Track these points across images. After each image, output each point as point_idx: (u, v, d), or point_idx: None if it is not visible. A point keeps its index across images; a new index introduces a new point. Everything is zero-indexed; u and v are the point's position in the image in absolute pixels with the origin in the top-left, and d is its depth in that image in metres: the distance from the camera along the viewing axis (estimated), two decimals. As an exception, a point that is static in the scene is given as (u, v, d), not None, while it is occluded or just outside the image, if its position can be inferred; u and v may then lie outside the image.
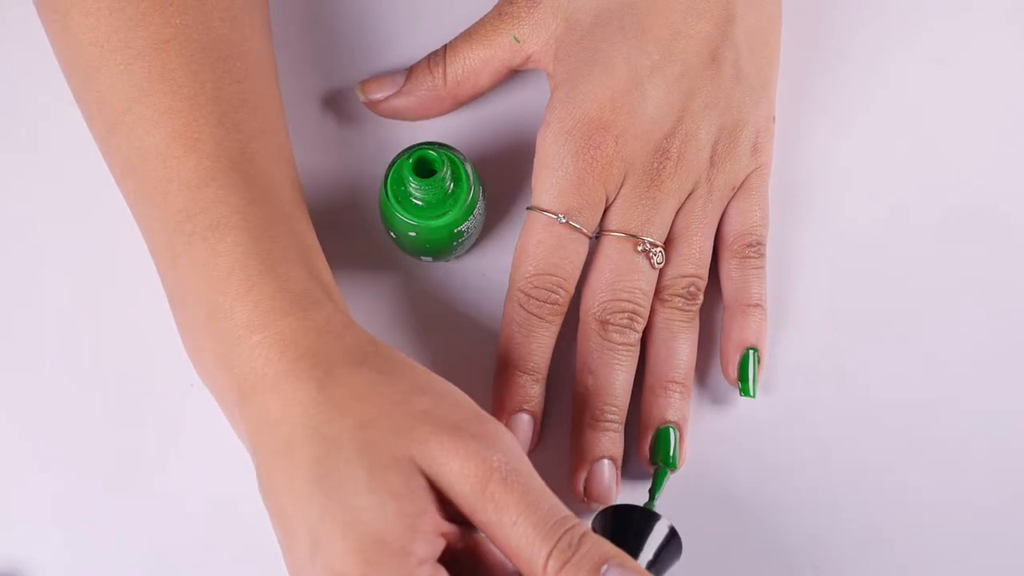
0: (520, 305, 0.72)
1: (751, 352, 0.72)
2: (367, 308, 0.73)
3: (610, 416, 0.71)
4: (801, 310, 0.75)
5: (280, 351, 0.63)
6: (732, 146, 0.73)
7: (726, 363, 0.73)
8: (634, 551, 0.65)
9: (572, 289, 0.72)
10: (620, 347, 0.71)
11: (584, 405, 0.71)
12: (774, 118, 0.74)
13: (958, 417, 0.73)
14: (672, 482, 0.71)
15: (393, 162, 0.71)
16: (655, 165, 0.72)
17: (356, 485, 0.61)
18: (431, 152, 0.70)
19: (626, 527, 0.66)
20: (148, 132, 0.66)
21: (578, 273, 0.72)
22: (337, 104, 0.77)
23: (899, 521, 0.72)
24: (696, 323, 0.73)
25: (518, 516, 0.61)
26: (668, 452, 0.71)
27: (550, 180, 0.72)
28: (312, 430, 0.62)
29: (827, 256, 0.75)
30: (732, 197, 0.74)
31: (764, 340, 0.73)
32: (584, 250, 0.72)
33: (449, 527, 0.62)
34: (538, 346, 0.71)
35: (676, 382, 0.72)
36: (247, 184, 0.66)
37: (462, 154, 0.71)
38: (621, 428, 0.71)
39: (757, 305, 0.73)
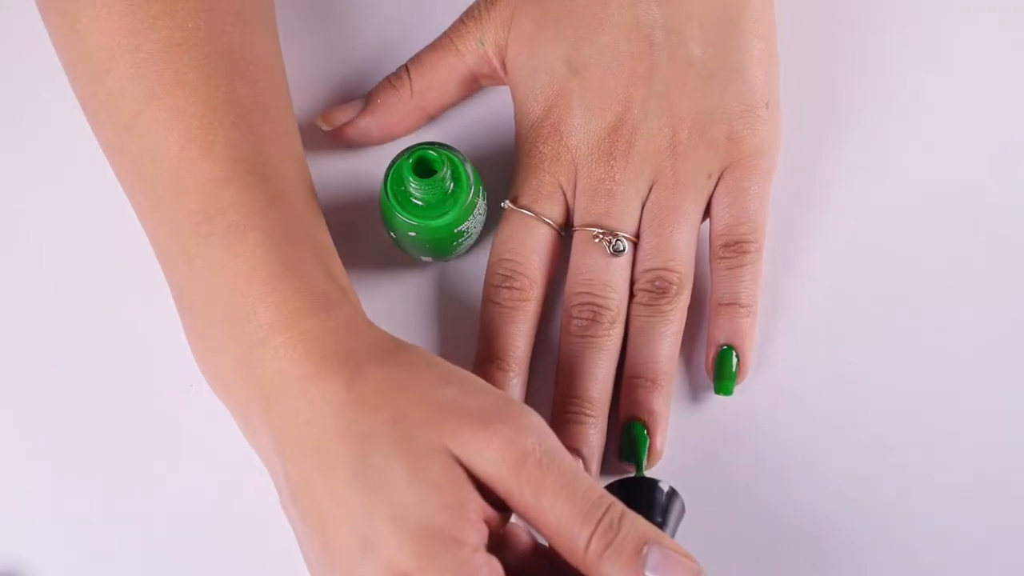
0: (486, 298, 0.73)
1: (726, 350, 0.72)
2: (367, 308, 0.73)
3: (574, 409, 0.71)
4: (798, 310, 0.75)
5: (305, 351, 0.64)
6: (699, 135, 0.73)
7: (706, 362, 0.73)
8: (648, 519, 0.65)
9: (536, 276, 0.72)
10: (583, 340, 0.72)
11: (555, 401, 0.72)
12: (767, 103, 0.73)
13: (958, 417, 0.73)
14: (671, 482, 0.71)
15: (393, 162, 0.71)
16: (605, 157, 0.73)
17: (398, 479, 0.61)
18: (431, 152, 0.70)
19: (634, 500, 0.66)
20: (162, 135, 0.66)
21: (539, 259, 0.73)
22: (338, 104, 0.77)
23: (899, 520, 0.72)
24: (674, 317, 0.72)
25: (556, 498, 0.61)
26: (640, 448, 0.71)
27: (512, 179, 0.74)
28: (345, 428, 0.62)
29: (825, 257, 0.75)
30: (716, 191, 0.73)
31: (744, 339, 0.72)
32: (544, 237, 0.73)
33: (492, 512, 0.62)
34: (504, 335, 0.72)
35: (644, 377, 0.72)
36: (264, 186, 0.66)
37: (462, 154, 0.71)
38: (591, 420, 0.71)
39: (733, 304, 0.72)
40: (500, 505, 0.62)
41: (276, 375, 0.64)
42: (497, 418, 0.62)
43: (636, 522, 0.62)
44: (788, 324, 0.74)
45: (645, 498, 0.67)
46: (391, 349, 0.65)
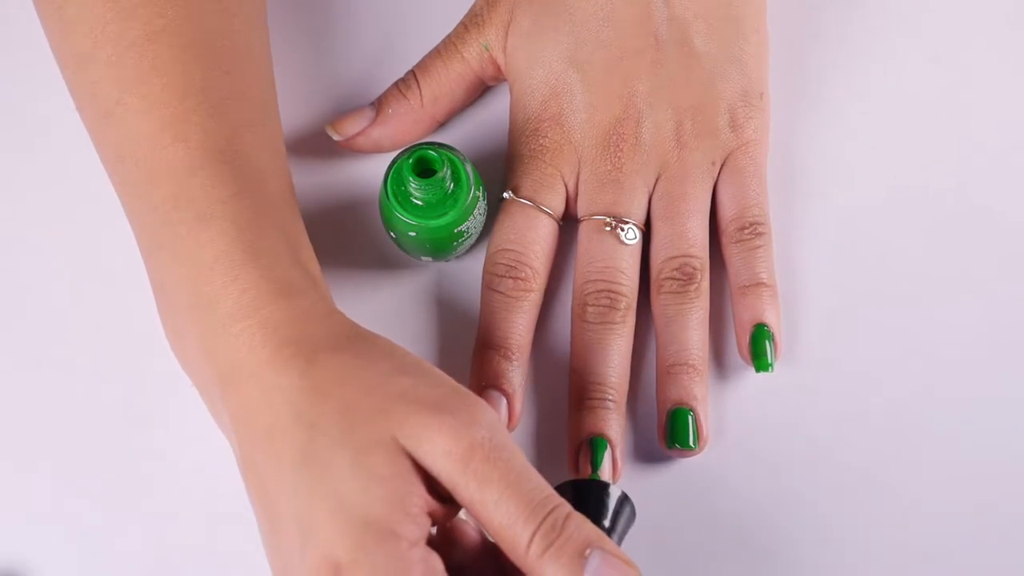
0: (487, 287, 0.73)
1: (760, 328, 0.72)
2: (367, 308, 0.73)
3: (597, 394, 0.71)
4: (797, 302, 0.74)
5: (263, 339, 0.64)
6: (702, 125, 0.73)
7: (739, 346, 0.73)
8: (595, 522, 0.65)
9: (538, 266, 0.73)
10: (601, 327, 0.72)
11: (573, 388, 0.72)
12: (761, 94, 0.74)
13: (960, 413, 0.73)
14: (673, 475, 0.72)
15: (393, 162, 0.71)
16: (611, 149, 0.73)
17: (341, 470, 0.61)
18: (431, 152, 0.70)
19: (583, 502, 0.66)
20: (138, 123, 0.67)
21: (541, 250, 0.73)
22: (338, 104, 0.77)
23: (901, 521, 0.71)
24: (701, 303, 0.73)
25: (501, 494, 0.61)
26: (686, 434, 0.71)
27: (509, 171, 0.74)
28: (295, 417, 0.62)
29: (825, 250, 0.75)
30: (719, 179, 0.74)
31: (774, 317, 0.73)
32: (546, 227, 0.73)
33: (436, 506, 0.62)
34: (506, 323, 0.72)
35: (683, 364, 0.72)
36: (234, 175, 0.66)
37: (462, 154, 0.71)
38: (614, 407, 0.71)
39: (760, 284, 0.73)
40: (447, 498, 0.62)
41: (234, 361, 0.64)
42: (447, 410, 0.61)
43: (581, 525, 0.61)
44: (785, 314, 0.74)
45: (595, 501, 0.66)
46: (350, 337, 0.65)
